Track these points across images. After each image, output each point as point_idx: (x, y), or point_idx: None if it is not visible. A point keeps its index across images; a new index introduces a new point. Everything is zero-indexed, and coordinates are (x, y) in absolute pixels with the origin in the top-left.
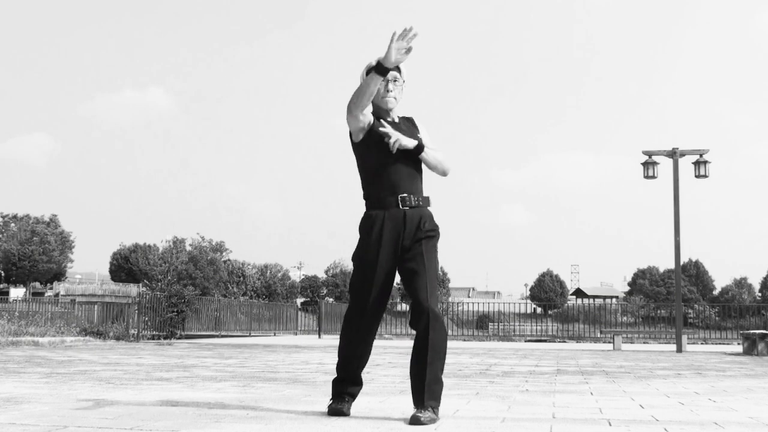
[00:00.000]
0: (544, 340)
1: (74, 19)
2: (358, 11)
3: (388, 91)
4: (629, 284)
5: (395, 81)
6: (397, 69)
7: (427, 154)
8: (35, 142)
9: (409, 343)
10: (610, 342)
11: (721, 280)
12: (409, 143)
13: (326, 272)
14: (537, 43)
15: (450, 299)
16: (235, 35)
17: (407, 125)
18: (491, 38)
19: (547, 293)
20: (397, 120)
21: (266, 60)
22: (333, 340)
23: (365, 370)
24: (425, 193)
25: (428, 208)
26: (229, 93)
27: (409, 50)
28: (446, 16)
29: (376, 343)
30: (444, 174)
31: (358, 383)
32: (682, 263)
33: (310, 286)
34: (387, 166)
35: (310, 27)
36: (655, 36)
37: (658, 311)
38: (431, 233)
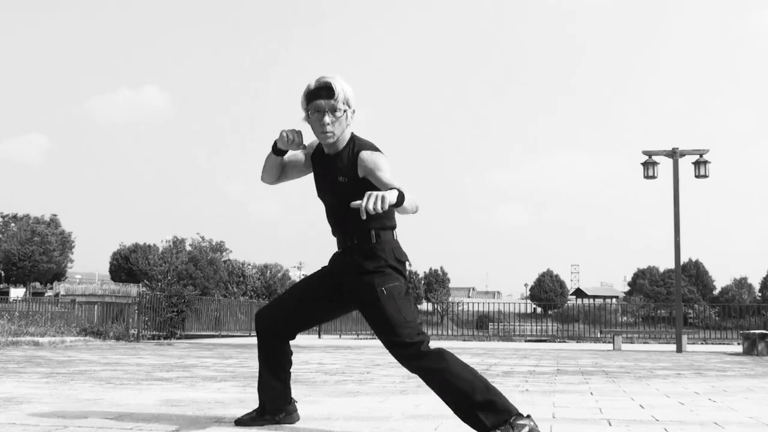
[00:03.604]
0: (544, 340)
1: (71, 18)
2: (359, 11)
3: (324, 124)
4: (629, 284)
5: (334, 112)
6: (333, 95)
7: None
8: (32, 142)
9: None
10: (610, 342)
11: (721, 280)
12: (391, 197)
13: None
14: (535, 41)
15: (450, 299)
16: (232, 34)
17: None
18: (489, 37)
19: (547, 293)
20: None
21: (265, 58)
22: (333, 340)
23: (365, 369)
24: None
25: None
26: (226, 92)
27: (301, 146)
28: (444, 15)
29: (376, 343)
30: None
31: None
32: (682, 263)
33: None
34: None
35: (309, 26)
36: (655, 35)
37: (658, 311)
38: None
